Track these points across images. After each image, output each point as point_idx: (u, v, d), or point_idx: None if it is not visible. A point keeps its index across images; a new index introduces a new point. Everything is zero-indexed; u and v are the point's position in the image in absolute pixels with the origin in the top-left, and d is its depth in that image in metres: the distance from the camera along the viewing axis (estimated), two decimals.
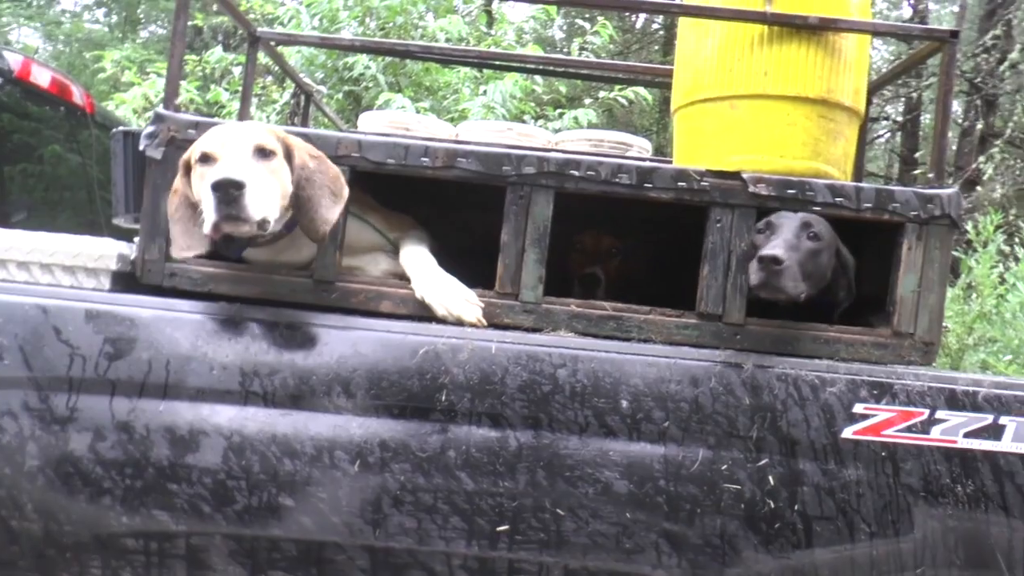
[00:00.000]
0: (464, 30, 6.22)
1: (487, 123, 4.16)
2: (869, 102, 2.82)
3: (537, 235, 2.18)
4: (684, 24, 2.49)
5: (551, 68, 4.16)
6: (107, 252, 2.20)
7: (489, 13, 8.70)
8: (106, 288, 2.20)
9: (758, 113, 2.28)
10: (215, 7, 7.01)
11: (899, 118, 10.60)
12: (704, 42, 2.37)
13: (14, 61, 3.27)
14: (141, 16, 14.45)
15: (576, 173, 2.18)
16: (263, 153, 1.99)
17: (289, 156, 2.04)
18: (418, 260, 2.23)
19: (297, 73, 3.51)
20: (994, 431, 2.06)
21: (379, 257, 2.35)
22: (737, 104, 2.29)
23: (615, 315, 2.18)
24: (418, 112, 5.56)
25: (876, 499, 2.01)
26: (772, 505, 1.98)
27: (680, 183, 2.17)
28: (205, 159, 2.01)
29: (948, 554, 2.01)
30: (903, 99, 9.86)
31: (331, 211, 2.04)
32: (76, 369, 2.02)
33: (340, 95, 6.37)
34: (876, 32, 2.30)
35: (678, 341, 2.16)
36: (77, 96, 3.59)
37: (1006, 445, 2.05)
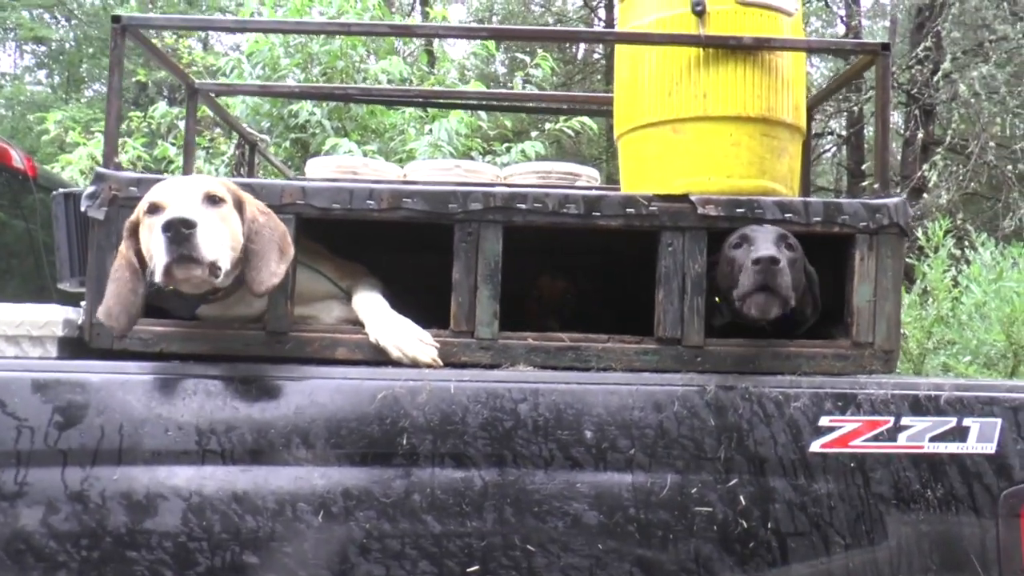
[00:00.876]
0: (406, 71, 6.23)
1: (434, 162, 4.16)
2: (811, 118, 2.86)
3: (489, 271, 2.16)
4: (620, 51, 2.51)
5: (496, 103, 4.19)
6: (53, 319, 2.14)
7: (430, 52, 8.74)
8: (53, 355, 2.14)
9: (701, 135, 2.30)
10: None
11: (843, 132, 10.79)
12: (641, 68, 2.39)
13: None
14: (84, 75, 14.33)
15: (523, 206, 2.17)
16: (212, 200, 1.96)
17: (240, 207, 2.02)
18: (370, 304, 2.20)
19: (240, 123, 3.49)
20: (959, 433, 2.06)
21: (332, 305, 2.32)
22: (679, 128, 2.31)
23: (573, 346, 2.17)
24: (365, 155, 5.56)
25: (848, 511, 2.00)
26: (745, 525, 1.97)
27: (628, 209, 2.17)
28: (154, 210, 1.98)
29: (923, 560, 2.01)
30: (845, 113, 10.05)
31: (279, 267, 2.01)
32: (24, 442, 1.96)
33: (287, 143, 6.35)
34: (810, 49, 2.34)
35: (638, 367, 2.15)
36: (17, 160, 3.52)
37: (971, 446, 2.06)
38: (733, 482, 1.99)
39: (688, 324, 2.17)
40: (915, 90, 9.63)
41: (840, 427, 2.05)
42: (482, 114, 6.54)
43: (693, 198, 2.17)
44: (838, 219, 2.21)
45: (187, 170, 2.85)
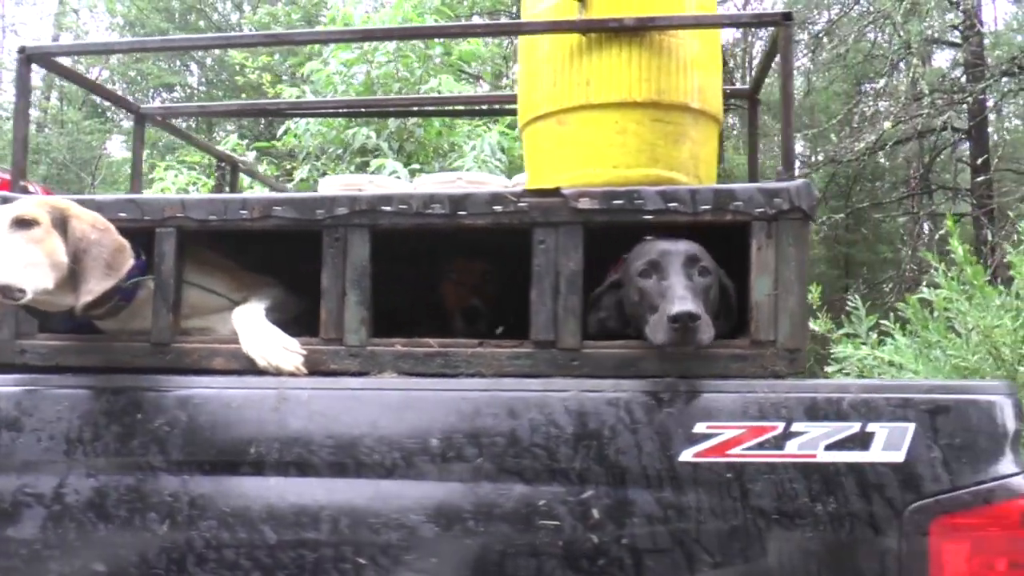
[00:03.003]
0: (458, 88, 6.26)
1: (438, 175, 4.12)
2: (756, 101, 2.66)
3: (356, 276, 2.10)
4: (520, 44, 2.41)
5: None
6: None
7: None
8: None
9: (585, 125, 2.17)
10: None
11: (954, 125, 9.98)
12: (533, 59, 2.28)
13: None
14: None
15: (388, 208, 2.11)
16: (21, 224, 1.99)
17: (64, 227, 2.04)
18: (245, 316, 2.19)
19: (214, 146, 3.57)
20: (861, 440, 1.84)
21: (228, 316, 2.32)
22: (564, 119, 2.19)
23: (442, 351, 2.07)
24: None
25: (720, 525, 1.82)
26: (596, 540, 1.81)
27: (496, 207, 2.07)
28: None
29: None
30: (964, 105, 9.32)
31: (100, 283, 2.01)
32: None
33: (352, 167, 6.49)
34: (700, 24, 2.15)
35: (510, 372, 2.03)
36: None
37: (875, 455, 1.83)
38: (587, 494, 1.84)
39: (563, 326, 2.03)
40: None
41: (718, 434, 1.87)
42: None
43: (565, 191, 2.05)
44: (730, 206, 2.03)
45: (134, 190, 2.94)
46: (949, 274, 5.49)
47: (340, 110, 4.51)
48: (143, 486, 1.96)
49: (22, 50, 2.36)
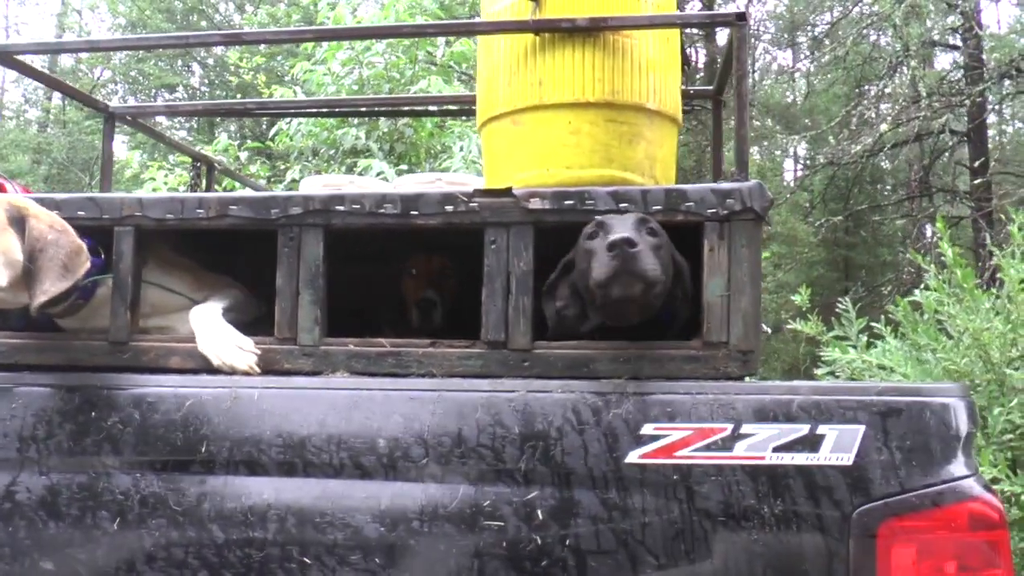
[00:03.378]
0: (448, 88, 6.26)
1: (418, 175, 4.13)
2: (719, 102, 2.65)
3: (310, 276, 2.10)
4: (479, 44, 2.41)
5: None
6: None
7: None
8: None
9: (539, 125, 2.16)
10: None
11: (953, 128, 9.93)
12: (490, 59, 2.28)
13: None
14: (218, 119, 15.29)
15: (341, 208, 2.11)
16: None
17: (21, 227, 2.04)
18: (202, 315, 2.20)
19: (188, 145, 3.58)
20: (810, 443, 1.83)
21: (187, 316, 2.32)
22: (518, 119, 2.18)
23: (394, 351, 2.07)
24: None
25: (666, 527, 1.81)
26: (539, 542, 1.81)
27: (447, 207, 2.07)
28: None
29: None
30: (964, 107, 9.27)
31: (55, 284, 2.01)
32: None
33: (343, 168, 6.50)
34: (652, 25, 2.15)
35: (461, 373, 2.03)
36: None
37: (824, 457, 1.82)
38: (532, 495, 1.84)
39: (514, 326, 2.03)
40: None
41: (666, 435, 1.86)
42: None
43: (516, 191, 2.04)
44: (682, 206, 2.02)
45: (104, 189, 2.95)
46: (940, 276, 5.47)
47: (310, 110, 4.52)
48: (96, 484, 1.98)
49: None
